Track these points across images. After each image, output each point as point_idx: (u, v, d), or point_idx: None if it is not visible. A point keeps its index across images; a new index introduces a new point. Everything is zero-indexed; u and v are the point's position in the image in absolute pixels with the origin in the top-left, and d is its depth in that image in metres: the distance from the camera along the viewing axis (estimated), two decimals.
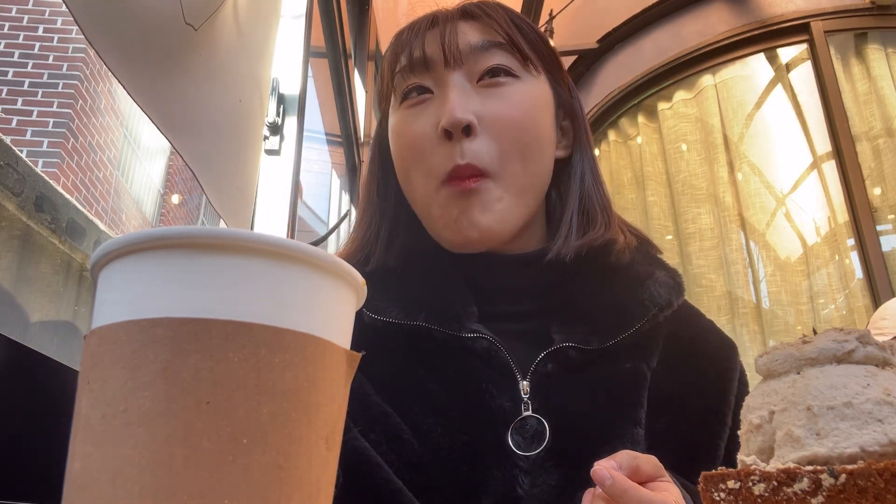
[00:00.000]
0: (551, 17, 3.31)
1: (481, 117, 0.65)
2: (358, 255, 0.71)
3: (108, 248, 0.28)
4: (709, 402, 0.68)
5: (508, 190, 0.66)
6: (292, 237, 1.60)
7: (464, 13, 0.70)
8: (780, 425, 0.32)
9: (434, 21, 0.70)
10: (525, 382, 0.63)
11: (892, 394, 0.30)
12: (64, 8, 0.60)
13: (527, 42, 0.70)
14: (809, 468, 0.28)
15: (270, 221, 1.58)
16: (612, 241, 0.69)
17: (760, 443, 0.34)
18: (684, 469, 0.63)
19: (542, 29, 3.54)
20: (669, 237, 3.16)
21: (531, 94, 0.69)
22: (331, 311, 0.30)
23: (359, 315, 0.69)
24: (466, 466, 0.59)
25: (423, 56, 0.68)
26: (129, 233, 0.28)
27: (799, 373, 0.33)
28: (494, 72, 0.67)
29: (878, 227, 2.69)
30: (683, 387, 0.67)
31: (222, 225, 1.17)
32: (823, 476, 0.28)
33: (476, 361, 0.63)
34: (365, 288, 0.33)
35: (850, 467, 0.27)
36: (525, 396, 0.62)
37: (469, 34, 0.68)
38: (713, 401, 0.68)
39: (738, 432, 0.36)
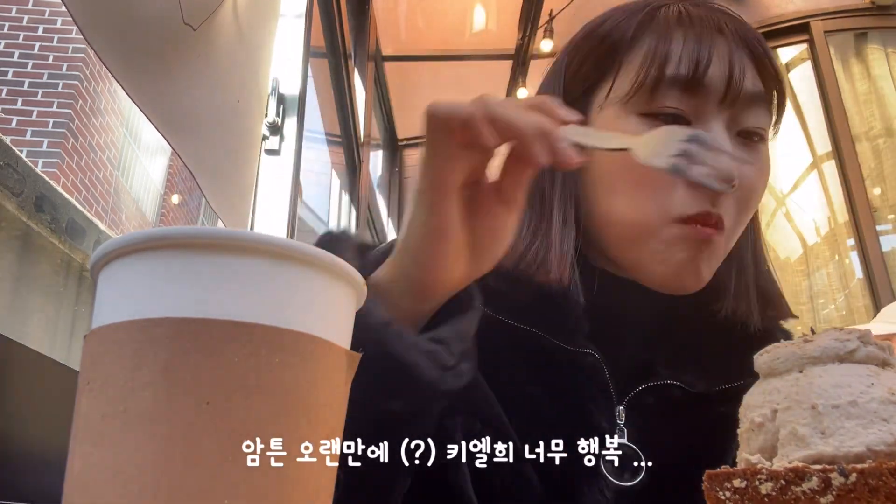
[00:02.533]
0: (551, 17, 3.31)
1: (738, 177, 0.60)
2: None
3: (107, 248, 0.28)
4: None
5: (726, 250, 0.62)
6: (292, 237, 1.59)
7: (748, 44, 0.60)
8: (784, 423, 0.32)
9: (720, 29, 0.59)
10: (621, 408, 0.62)
11: None
12: (64, 8, 0.60)
13: (783, 99, 0.62)
14: (818, 467, 0.28)
15: (270, 221, 1.58)
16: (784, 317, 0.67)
17: (762, 441, 0.33)
18: None
19: (542, 29, 3.53)
20: None
21: (769, 159, 0.63)
22: (331, 310, 0.30)
23: (472, 299, 0.60)
24: (556, 475, 0.58)
25: (710, 78, 0.57)
26: (129, 233, 0.28)
27: (801, 371, 0.33)
28: (754, 134, 0.61)
29: (878, 227, 2.69)
30: None
31: (221, 225, 1.17)
32: (833, 475, 0.28)
33: (580, 376, 0.62)
34: (365, 288, 0.32)
35: (860, 466, 0.27)
36: (620, 423, 0.61)
37: (749, 75, 0.59)
38: None
39: (738, 430, 0.36)
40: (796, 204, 2.95)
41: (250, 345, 0.26)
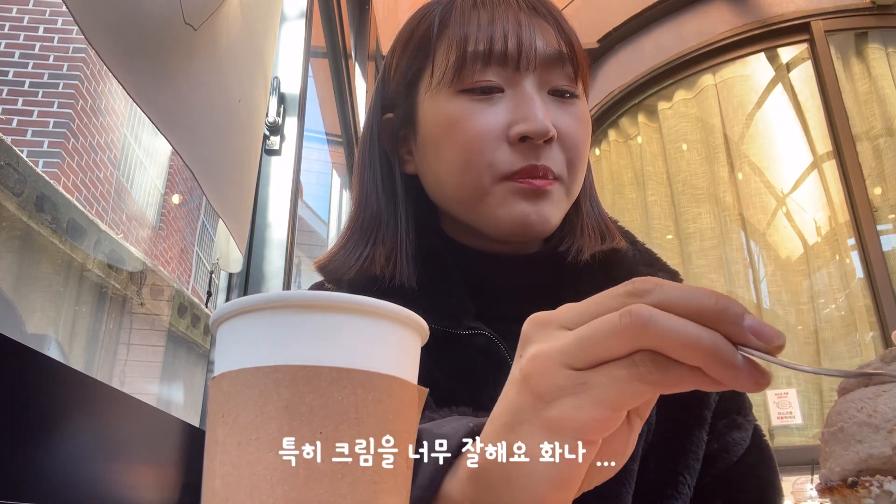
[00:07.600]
0: None
1: (556, 129, 0.65)
2: (381, 270, 0.67)
3: (231, 307, 0.35)
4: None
5: (569, 198, 0.68)
6: (292, 237, 1.60)
7: (537, 11, 0.68)
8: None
9: (510, 3, 0.67)
10: None
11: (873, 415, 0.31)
12: (64, 8, 0.60)
13: (580, 55, 0.69)
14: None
15: (271, 221, 1.58)
16: (618, 249, 0.72)
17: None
18: (671, 461, 0.64)
19: None
20: (670, 237, 3.16)
21: (587, 113, 0.70)
22: (405, 354, 0.37)
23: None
24: None
25: (504, 49, 0.64)
26: (249, 296, 0.35)
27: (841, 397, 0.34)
28: (564, 92, 0.67)
29: (879, 227, 2.69)
30: None
31: (221, 224, 1.17)
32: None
33: (477, 356, 0.64)
34: (428, 330, 0.38)
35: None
36: None
37: (542, 37, 0.66)
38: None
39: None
40: (797, 203, 2.95)
41: (350, 386, 0.33)
